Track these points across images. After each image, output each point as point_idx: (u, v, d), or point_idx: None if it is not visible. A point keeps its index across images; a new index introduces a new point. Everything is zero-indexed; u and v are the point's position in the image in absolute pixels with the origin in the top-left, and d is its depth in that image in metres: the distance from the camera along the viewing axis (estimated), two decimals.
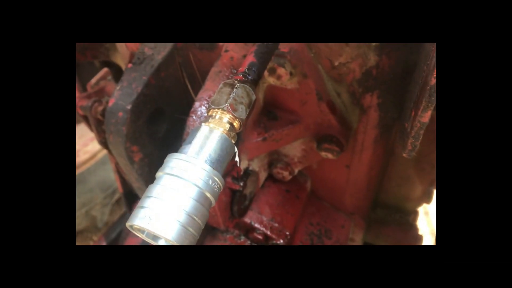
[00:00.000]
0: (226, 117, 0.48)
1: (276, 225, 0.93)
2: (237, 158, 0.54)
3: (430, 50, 0.50)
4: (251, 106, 0.51)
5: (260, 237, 0.91)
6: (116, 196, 2.78)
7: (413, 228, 1.19)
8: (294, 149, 0.89)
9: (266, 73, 0.70)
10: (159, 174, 0.45)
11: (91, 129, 0.89)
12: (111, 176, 2.67)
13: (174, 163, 0.44)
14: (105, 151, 2.65)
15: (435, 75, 0.43)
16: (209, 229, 0.93)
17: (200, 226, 0.43)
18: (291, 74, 0.69)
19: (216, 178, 0.44)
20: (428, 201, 1.15)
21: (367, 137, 0.86)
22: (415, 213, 1.24)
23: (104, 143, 0.91)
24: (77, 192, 2.47)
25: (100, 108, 0.85)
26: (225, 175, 0.70)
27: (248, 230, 0.93)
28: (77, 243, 2.74)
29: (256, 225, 0.91)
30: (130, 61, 0.73)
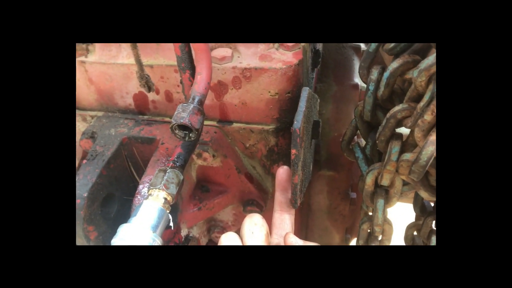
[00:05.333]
0: (162, 193, 0.68)
1: None
2: (171, 224, 0.71)
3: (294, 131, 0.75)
4: (180, 184, 0.71)
5: None
6: None
7: None
8: (227, 215, 1.08)
9: (195, 157, 0.92)
10: (113, 240, 0.62)
11: None
12: None
13: (126, 231, 0.61)
14: None
15: (293, 152, 0.67)
16: None
17: None
18: (213, 156, 0.92)
19: (156, 239, 0.62)
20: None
21: None
22: None
23: None
24: None
25: None
26: (168, 241, 0.86)
27: None
28: None
29: None
30: (84, 158, 0.92)
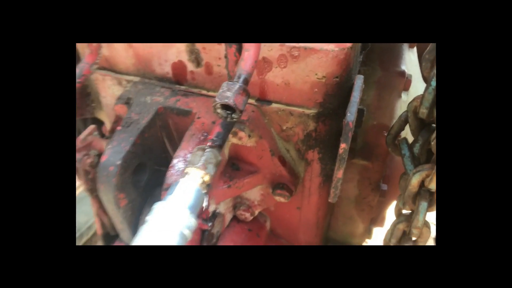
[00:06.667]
0: (199, 173, 0.66)
1: None
2: (205, 204, 0.70)
3: (347, 125, 0.71)
4: (218, 164, 0.69)
5: None
6: (84, 240, 2.78)
7: None
8: (254, 194, 1.07)
9: (230, 135, 0.89)
10: (148, 218, 0.61)
11: (79, 178, 1.03)
12: (80, 219, 2.69)
13: (161, 210, 0.60)
14: (76, 193, 2.68)
15: (343, 146, 0.63)
16: None
17: None
18: (249, 136, 0.89)
19: (191, 220, 0.61)
20: (369, 237, 1.35)
21: (313, 184, 1.05)
22: None
23: (90, 190, 1.04)
24: None
25: (89, 161, 1.00)
26: (196, 217, 0.85)
27: None
28: None
29: None
30: (119, 124, 0.90)
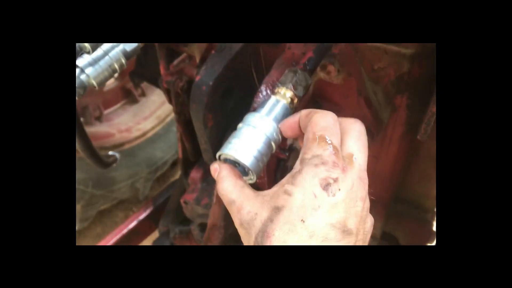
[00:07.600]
0: (289, 93, 0.68)
1: None
2: None
3: None
4: (307, 88, 0.70)
5: None
6: (158, 173, 3.03)
7: (428, 224, 1.32)
8: None
9: (318, 68, 0.89)
10: (240, 125, 0.64)
11: (171, 101, 1.12)
12: (157, 154, 2.93)
13: (252, 118, 0.63)
14: (154, 131, 2.91)
15: None
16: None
17: (265, 162, 0.62)
18: (338, 71, 0.87)
19: (278, 133, 0.64)
20: None
21: (395, 132, 1.02)
22: (433, 212, 1.37)
23: (179, 113, 1.13)
24: (126, 165, 2.70)
25: (181, 84, 1.07)
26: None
27: None
28: (119, 212, 3.01)
29: None
30: (213, 49, 0.95)
